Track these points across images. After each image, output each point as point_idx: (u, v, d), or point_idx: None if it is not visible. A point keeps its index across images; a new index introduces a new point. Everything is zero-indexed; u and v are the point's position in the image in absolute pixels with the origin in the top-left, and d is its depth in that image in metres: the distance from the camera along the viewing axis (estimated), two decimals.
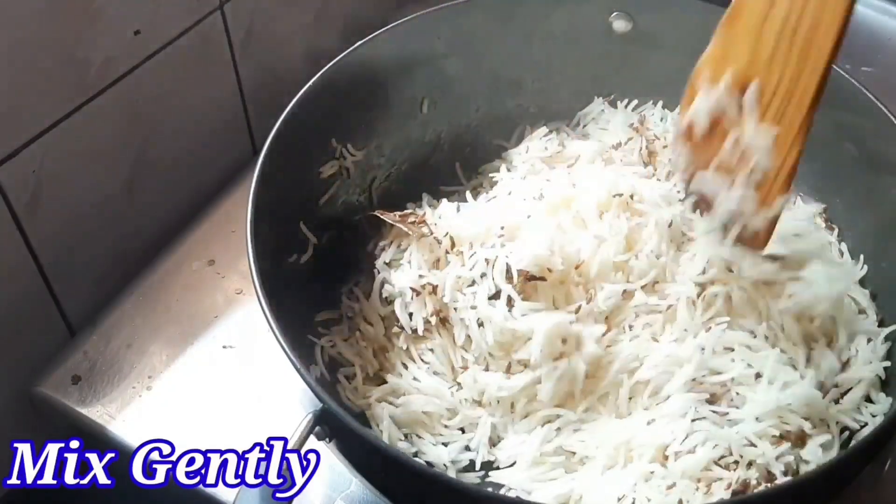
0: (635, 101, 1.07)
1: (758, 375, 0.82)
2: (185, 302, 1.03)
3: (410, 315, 0.88)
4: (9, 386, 0.98)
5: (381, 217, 0.92)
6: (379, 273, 0.91)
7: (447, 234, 0.89)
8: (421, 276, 0.88)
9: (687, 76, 1.03)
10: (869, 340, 0.86)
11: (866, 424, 0.81)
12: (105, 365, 0.98)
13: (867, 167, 0.92)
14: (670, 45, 1.03)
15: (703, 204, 0.84)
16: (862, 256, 0.93)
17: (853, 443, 0.80)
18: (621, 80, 1.07)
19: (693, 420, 0.79)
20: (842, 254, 0.95)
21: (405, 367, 0.88)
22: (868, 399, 0.84)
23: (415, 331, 0.88)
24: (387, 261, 0.91)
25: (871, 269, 0.92)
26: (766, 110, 0.76)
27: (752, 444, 0.78)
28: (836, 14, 0.71)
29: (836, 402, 0.83)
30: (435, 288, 0.87)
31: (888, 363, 0.85)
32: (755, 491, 0.75)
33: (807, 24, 0.73)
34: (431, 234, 0.89)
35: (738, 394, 0.81)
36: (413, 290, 0.87)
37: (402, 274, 0.89)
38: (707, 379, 0.82)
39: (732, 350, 0.83)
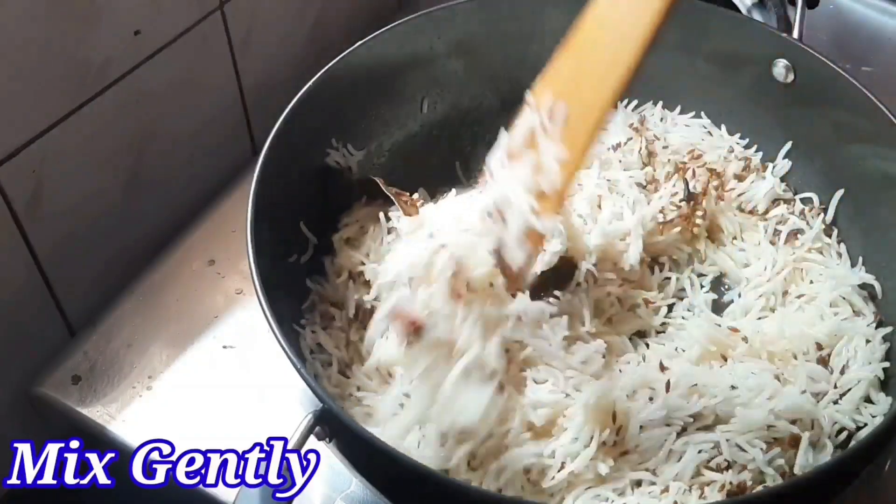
0: (635, 102, 1.07)
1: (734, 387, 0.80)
2: (185, 302, 1.03)
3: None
4: (9, 386, 0.98)
5: (380, 186, 0.91)
6: (335, 248, 0.91)
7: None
8: (362, 263, 0.88)
9: (686, 76, 1.04)
10: (867, 342, 0.86)
11: (865, 425, 0.81)
12: (105, 365, 0.98)
13: (867, 168, 0.92)
14: (670, 45, 1.03)
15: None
16: (861, 259, 0.93)
17: (852, 444, 0.80)
18: None
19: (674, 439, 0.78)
20: (840, 255, 0.95)
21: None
22: (868, 400, 0.84)
23: (355, 316, 0.88)
24: (345, 237, 0.91)
25: (869, 270, 0.92)
26: (564, 132, 0.77)
27: (743, 450, 0.77)
28: (632, 47, 0.75)
29: (836, 402, 0.83)
30: (368, 281, 0.87)
31: (887, 364, 0.85)
32: (753, 492, 0.75)
33: (608, 52, 0.76)
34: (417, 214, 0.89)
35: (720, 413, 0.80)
36: (350, 273, 0.88)
37: (348, 254, 0.89)
38: (676, 415, 0.79)
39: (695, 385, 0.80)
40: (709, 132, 1.05)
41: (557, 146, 0.76)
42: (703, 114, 1.05)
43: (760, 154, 1.02)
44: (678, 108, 1.06)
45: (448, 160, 1.05)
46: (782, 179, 1.00)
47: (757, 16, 1.07)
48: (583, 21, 0.78)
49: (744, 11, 1.08)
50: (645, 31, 0.74)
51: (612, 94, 0.76)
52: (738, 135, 1.03)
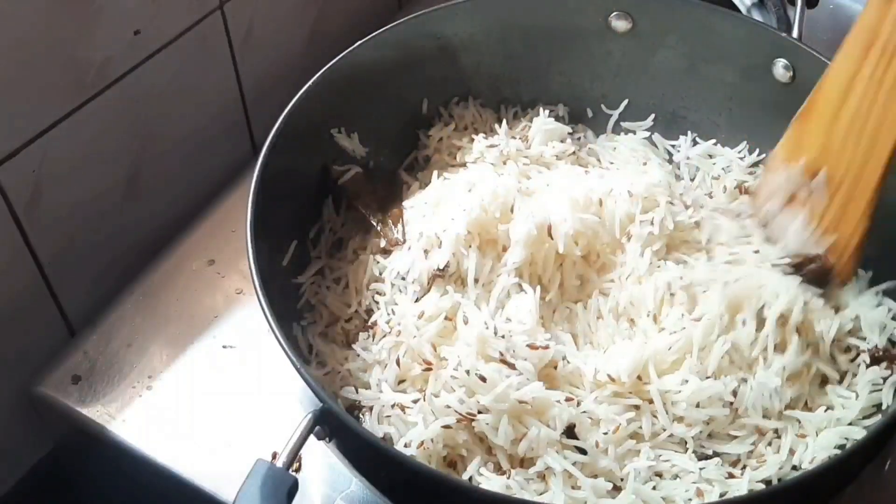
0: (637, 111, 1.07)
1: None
2: (185, 302, 1.03)
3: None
4: (9, 386, 0.98)
5: (362, 211, 0.93)
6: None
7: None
8: (354, 252, 0.91)
9: (687, 76, 1.04)
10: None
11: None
12: (105, 365, 0.98)
13: None
14: (668, 46, 1.03)
15: None
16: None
17: (853, 443, 0.80)
18: (621, 80, 1.07)
19: None
20: None
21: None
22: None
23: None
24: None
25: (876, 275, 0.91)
26: (834, 194, 0.85)
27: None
28: None
29: None
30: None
31: None
32: (753, 492, 0.75)
33: (873, 122, 0.82)
34: (404, 241, 0.90)
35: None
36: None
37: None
38: None
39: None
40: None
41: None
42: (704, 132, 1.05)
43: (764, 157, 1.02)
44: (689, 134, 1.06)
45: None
46: None
47: (757, 16, 1.07)
48: (829, 82, 0.83)
49: (744, 11, 1.08)
50: None
51: (889, 151, 0.81)
52: (741, 145, 1.03)
